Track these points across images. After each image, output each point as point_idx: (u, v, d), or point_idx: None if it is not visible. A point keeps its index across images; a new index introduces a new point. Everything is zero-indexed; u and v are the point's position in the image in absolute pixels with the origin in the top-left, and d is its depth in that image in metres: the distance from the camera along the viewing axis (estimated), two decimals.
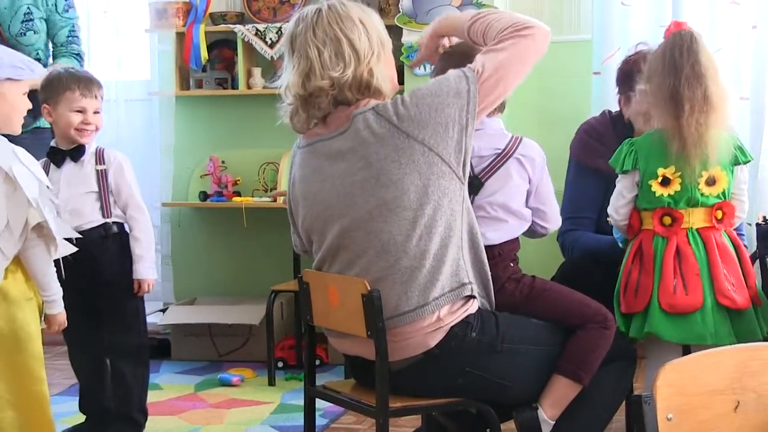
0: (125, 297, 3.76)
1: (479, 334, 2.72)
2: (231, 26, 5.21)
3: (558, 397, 2.84)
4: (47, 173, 3.67)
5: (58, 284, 3.06)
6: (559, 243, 3.63)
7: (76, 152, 3.73)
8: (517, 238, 3.07)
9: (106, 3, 5.37)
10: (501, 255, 2.96)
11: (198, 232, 5.45)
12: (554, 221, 3.17)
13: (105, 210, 3.73)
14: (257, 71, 5.22)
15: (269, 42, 5.16)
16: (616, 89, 3.63)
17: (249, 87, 5.24)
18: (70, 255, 3.24)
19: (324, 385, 3.03)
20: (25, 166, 2.95)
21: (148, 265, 3.76)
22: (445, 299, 2.68)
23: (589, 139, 3.75)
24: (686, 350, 3.02)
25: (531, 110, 5.06)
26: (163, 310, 5.34)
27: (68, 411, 4.32)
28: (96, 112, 3.72)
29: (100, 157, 3.75)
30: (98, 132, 3.76)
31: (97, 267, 3.70)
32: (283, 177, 5.02)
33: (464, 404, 2.81)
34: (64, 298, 3.29)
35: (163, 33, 5.33)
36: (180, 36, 5.25)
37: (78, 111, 3.69)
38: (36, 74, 3.11)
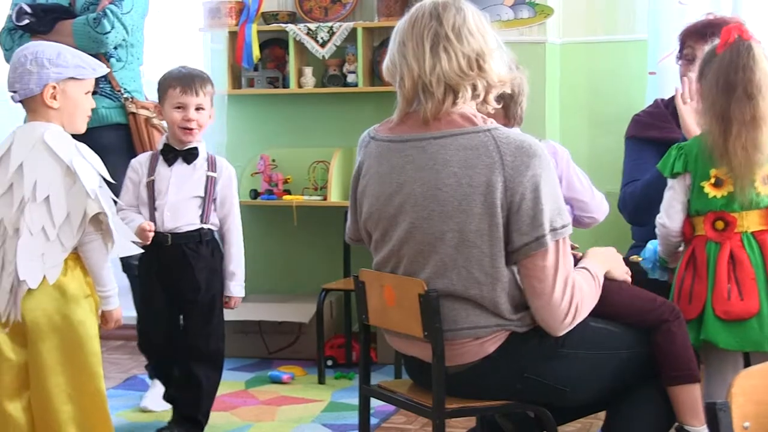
0: (211, 303, 3.84)
1: (539, 339, 2.70)
2: (283, 25, 5.23)
3: (690, 405, 2.83)
4: (155, 169, 3.81)
5: (114, 280, 3.09)
6: (619, 208, 3.68)
7: (190, 154, 3.80)
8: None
9: (161, 2, 5.40)
10: None
11: (248, 230, 5.40)
12: (598, 210, 3.18)
13: (205, 216, 3.80)
14: (308, 70, 5.23)
15: (320, 41, 5.17)
16: (677, 55, 3.73)
17: (300, 86, 5.25)
18: (160, 257, 3.34)
19: (379, 384, 3.03)
20: (86, 160, 2.99)
21: (239, 283, 3.86)
22: (508, 322, 2.68)
23: (638, 118, 3.84)
24: (747, 357, 3.00)
25: (583, 111, 5.04)
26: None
27: (123, 405, 4.38)
28: (199, 109, 3.77)
29: (212, 164, 3.83)
30: (202, 130, 3.82)
31: (188, 269, 3.78)
32: (333, 176, 5.04)
33: (521, 407, 2.81)
34: (153, 295, 3.40)
35: (216, 32, 5.36)
36: (232, 35, 5.27)
37: (178, 108, 3.76)
38: (98, 73, 3.15)
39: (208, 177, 3.81)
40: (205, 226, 3.81)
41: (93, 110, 4.16)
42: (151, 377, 4.50)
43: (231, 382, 4.72)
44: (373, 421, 4.03)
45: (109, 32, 4.17)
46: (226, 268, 3.85)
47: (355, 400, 4.24)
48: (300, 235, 5.33)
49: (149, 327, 3.94)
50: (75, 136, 3.10)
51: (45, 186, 2.94)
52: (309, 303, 5.00)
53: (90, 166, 2.99)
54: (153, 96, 4.49)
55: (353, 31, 5.09)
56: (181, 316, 3.88)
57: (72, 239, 2.97)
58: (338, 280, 5.04)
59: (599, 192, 3.24)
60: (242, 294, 3.89)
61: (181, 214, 3.78)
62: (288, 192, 5.23)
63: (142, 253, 3.80)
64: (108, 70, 3.24)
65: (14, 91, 3.05)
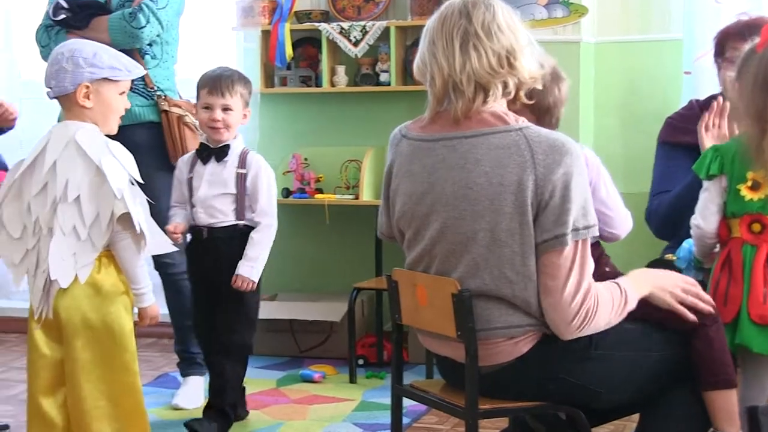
0: (240, 297, 3.90)
1: (572, 340, 2.67)
2: (316, 24, 5.23)
3: (726, 410, 2.77)
4: (193, 169, 3.93)
5: (148, 277, 3.10)
6: (646, 218, 3.64)
7: (221, 152, 3.90)
8: (596, 242, 3.05)
9: (194, 1, 5.41)
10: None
11: (280, 229, 5.41)
12: (621, 227, 3.13)
13: (240, 212, 3.88)
14: (341, 69, 5.23)
15: (353, 40, 5.16)
16: (714, 56, 3.71)
17: (333, 85, 5.25)
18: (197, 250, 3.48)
19: (411, 384, 3.02)
20: (117, 159, 2.99)
21: (251, 265, 3.88)
22: (541, 323, 2.66)
23: (672, 121, 3.80)
24: None
25: (616, 110, 5.01)
26: None
27: (155, 402, 4.39)
28: (226, 109, 3.87)
29: (243, 160, 3.91)
30: (231, 130, 3.91)
31: (221, 263, 3.85)
32: (366, 175, 5.03)
33: (554, 408, 2.79)
34: (195, 287, 3.43)
35: (249, 31, 5.37)
36: (265, 34, 5.28)
37: (206, 108, 3.86)
38: (134, 75, 3.16)
39: (237, 174, 3.89)
40: (240, 222, 3.91)
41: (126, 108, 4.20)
42: (183, 375, 4.51)
43: (262, 380, 4.73)
44: (405, 420, 4.02)
45: (144, 27, 4.19)
46: (245, 251, 3.89)
47: (386, 400, 4.25)
48: (332, 234, 5.33)
49: (196, 319, 4.08)
50: (109, 134, 3.11)
51: (75, 186, 2.96)
52: (340, 302, 5.00)
53: (120, 165, 3.00)
54: (186, 94, 4.52)
55: (386, 30, 5.08)
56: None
57: (102, 239, 2.98)
58: (370, 279, 5.04)
59: (626, 209, 3.20)
60: (251, 277, 3.89)
61: (214, 210, 3.90)
62: (320, 191, 5.23)
63: (187, 251, 3.99)
64: (144, 72, 3.25)
65: (50, 88, 3.06)
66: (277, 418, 4.22)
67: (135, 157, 3.14)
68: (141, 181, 3.06)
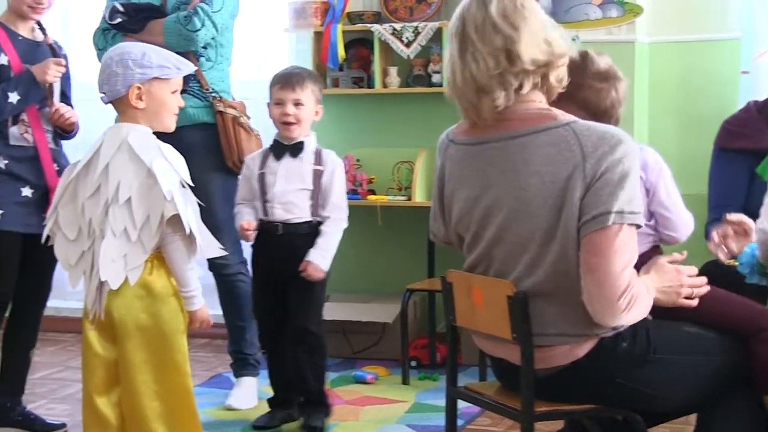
0: (315, 290, 3.99)
1: (630, 344, 2.66)
2: (368, 25, 5.23)
3: None
4: (264, 164, 3.99)
5: (197, 280, 3.11)
6: (705, 233, 3.56)
7: (296, 149, 3.96)
8: (656, 245, 3.02)
9: (248, 3, 5.44)
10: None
11: None
12: (681, 230, 3.09)
13: (315, 208, 3.96)
14: (393, 70, 5.23)
15: (406, 41, 5.16)
16: None
17: (385, 86, 5.25)
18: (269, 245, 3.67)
19: (466, 386, 3.01)
20: (168, 161, 3.01)
21: (321, 254, 3.95)
22: (597, 329, 2.63)
23: (729, 126, 3.73)
24: None
25: (672, 111, 4.97)
26: None
27: (209, 402, 4.41)
28: (297, 104, 3.93)
29: (318, 157, 3.98)
30: (303, 125, 3.97)
31: (297, 258, 3.92)
32: (418, 176, 5.02)
33: (611, 411, 2.77)
34: (263, 283, 3.61)
35: (301, 33, 5.38)
36: (318, 35, 5.28)
37: (278, 104, 3.93)
38: (183, 72, 3.17)
39: (314, 171, 3.95)
40: (315, 218, 3.98)
41: (181, 109, 4.20)
42: (236, 376, 4.52)
43: None
44: (459, 422, 4.01)
45: (200, 30, 4.21)
46: (315, 241, 3.95)
47: (439, 402, 4.25)
48: (384, 236, 5.33)
49: (261, 315, 4.12)
50: (162, 136, 3.13)
51: (127, 188, 2.97)
52: (393, 303, 5.00)
53: (171, 167, 3.01)
54: (239, 96, 4.54)
55: (438, 30, 5.07)
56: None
57: (152, 240, 2.99)
58: (422, 280, 5.03)
59: (687, 212, 3.16)
60: (321, 265, 3.96)
61: (291, 206, 3.96)
62: (372, 192, 5.23)
63: (255, 246, 4.03)
64: (194, 68, 3.27)
65: (103, 93, 3.08)
66: (330, 419, 4.21)
67: (189, 159, 3.15)
68: (192, 184, 3.06)
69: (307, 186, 3.96)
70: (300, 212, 3.96)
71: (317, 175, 3.97)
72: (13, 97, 3.83)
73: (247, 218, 4.00)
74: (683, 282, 2.74)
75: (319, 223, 3.98)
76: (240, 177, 4.10)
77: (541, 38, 2.62)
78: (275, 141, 4.05)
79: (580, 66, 3.03)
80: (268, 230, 3.98)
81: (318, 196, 3.97)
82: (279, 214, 3.96)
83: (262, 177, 4.00)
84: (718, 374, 2.76)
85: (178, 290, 3.07)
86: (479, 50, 2.62)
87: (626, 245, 2.56)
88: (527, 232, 2.62)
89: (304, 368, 4.00)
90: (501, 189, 2.65)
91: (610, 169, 2.53)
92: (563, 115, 2.63)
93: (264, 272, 4.06)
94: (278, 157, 4.00)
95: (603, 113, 3.00)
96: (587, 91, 3.00)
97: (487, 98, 2.63)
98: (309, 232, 3.96)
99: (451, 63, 2.69)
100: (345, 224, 4.03)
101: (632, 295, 2.55)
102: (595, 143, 2.55)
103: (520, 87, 2.62)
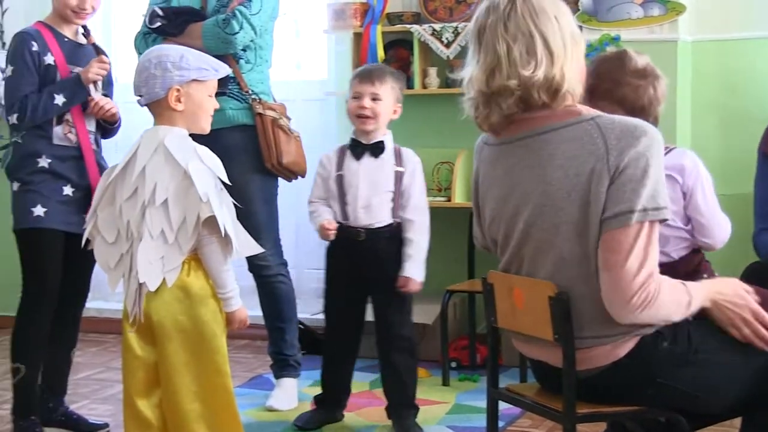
0: (402, 294, 3.95)
1: (671, 344, 2.62)
2: (407, 26, 5.22)
3: None
4: (343, 163, 3.90)
5: (234, 281, 3.11)
6: (753, 244, 3.52)
7: (377, 148, 3.89)
8: (697, 249, 2.99)
9: (286, 5, 5.45)
10: (684, 270, 2.87)
11: None
12: (716, 237, 3.05)
13: (395, 210, 3.90)
14: (433, 71, 5.22)
15: (445, 41, 5.15)
16: None
17: (424, 86, 5.24)
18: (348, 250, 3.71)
19: (507, 387, 3.00)
20: (204, 164, 3.01)
21: (417, 266, 3.89)
22: (638, 328, 2.61)
23: None
24: None
25: (715, 111, 4.93)
26: None
27: (249, 404, 4.42)
28: (375, 99, 3.86)
29: (399, 157, 3.91)
30: (379, 120, 3.90)
31: (381, 263, 3.88)
32: (458, 177, 5.01)
33: (653, 413, 2.74)
34: (340, 290, 3.66)
35: (341, 34, 5.38)
36: (357, 36, 5.29)
37: (355, 97, 3.88)
38: (220, 74, 3.18)
39: (396, 173, 3.89)
40: (394, 221, 3.91)
41: (220, 111, 4.21)
42: (277, 377, 4.53)
43: (356, 382, 4.70)
44: (500, 423, 3.99)
45: (238, 33, 4.21)
46: (405, 251, 3.88)
47: (480, 403, 4.23)
48: None
49: (333, 318, 4.06)
50: (201, 137, 3.14)
51: (163, 190, 2.98)
52: (433, 304, 4.98)
53: (207, 169, 3.01)
54: (280, 97, 4.54)
55: None
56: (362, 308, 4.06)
57: (189, 242, 3.00)
58: (462, 281, 5.02)
59: (725, 219, 3.12)
60: (421, 277, 3.93)
61: (375, 211, 3.88)
62: None
63: (331, 248, 3.95)
64: (230, 70, 3.27)
65: (140, 95, 3.09)
66: (371, 420, 4.22)
67: (228, 160, 3.15)
68: (229, 184, 3.07)
69: (389, 188, 3.89)
70: (382, 216, 3.88)
71: (398, 177, 3.90)
72: (59, 99, 3.87)
73: (327, 217, 3.90)
74: (749, 304, 2.67)
75: (399, 225, 3.91)
76: (315, 175, 4.02)
77: (542, 48, 2.59)
78: (353, 140, 3.96)
79: (619, 63, 3.04)
80: (348, 235, 3.89)
81: (399, 198, 3.89)
82: (361, 218, 3.88)
83: (340, 178, 3.91)
84: (762, 376, 2.72)
85: (216, 292, 3.08)
86: (482, 58, 2.63)
87: (647, 243, 2.53)
88: (553, 228, 2.60)
89: (404, 373, 3.97)
90: (527, 185, 2.64)
91: (633, 163, 2.50)
92: (588, 111, 2.61)
93: (343, 277, 3.97)
94: (357, 156, 3.92)
95: (640, 110, 2.99)
96: (625, 88, 3.00)
97: (496, 106, 2.63)
98: (390, 236, 3.90)
99: (469, 69, 2.70)
100: (427, 224, 3.95)
101: (648, 294, 2.52)
102: (618, 135, 2.53)
103: (531, 99, 2.62)
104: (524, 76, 2.58)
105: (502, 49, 2.59)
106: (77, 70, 3.93)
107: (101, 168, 3.95)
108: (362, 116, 3.88)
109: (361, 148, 3.91)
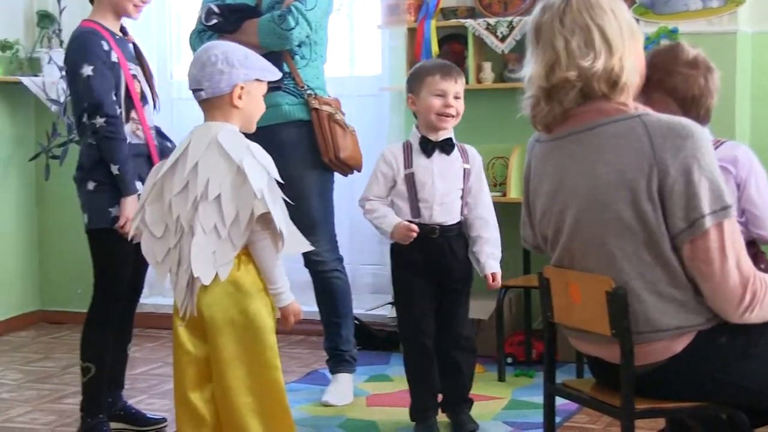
0: (468, 291, 3.98)
1: (728, 338, 2.60)
2: (462, 21, 5.21)
3: None
4: (411, 162, 3.84)
5: (285, 276, 3.12)
6: None
7: (448, 145, 3.86)
8: (751, 240, 2.95)
9: (340, 0, 5.46)
10: None
11: None
12: None
13: (463, 208, 3.88)
14: (487, 65, 5.20)
15: (500, 36, 5.13)
16: None
17: (479, 81, 5.22)
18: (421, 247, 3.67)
19: (564, 382, 2.98)
20: (257, 160, 3.02)
21: (497, 262, 3.91)
22: (690, 320, 2.59)
23: None
24: None
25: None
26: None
27: (305, 399, 4.44)
28: (456, 97, 3.81)
29: (464, 154, 3.89)
30: (457, 120, 3.86)
31: (454, 260, 3.86)
32: (513, 172, 4.99)
33: (714, 409, 2.71)
34: (417, 288, 3.67)
35: (395, 29, 5.38)
36: (411, 32, 5.27)
37: (438, 95, 3.79)
38: (277, 76, 3.20)
39: (464, 169, 3.87)
40: (461, 218, 3.89)
41: (276, 107, 4.23)
42: (332, 372, 4.54)
43: (396, 377, 4.72)
44: (556, 419, 3.97)
45: (294, 28, 4.22)
46: (481, 249, 3.89)
47: (535, 398, 4.22)
48: None
49: (423, 318, 3.91)
50: (258, 132, 3.15)
51: (216, 185, 2.99)
52: (488, 300, 4.95)
53: (260, 166, 3.02)
54: (334, 93, 4.55)
55: None
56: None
57: (241, 238, 3.01)
58: (518, 276, 4.99)
59: None
60: (499, 272, 3.94)
61: (449, 208, 3.85)
62: None
63: (401, 247, 3.86)
64: (280, 74, 3.26)
65: (200, 89, 3.09)
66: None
67: (284, 156, 3.17)
68: (282, 181, 3.07)
69: (460, 186, 3.86)
70: (455, 213, 3.85)
71: (467, 174, 3.87)
72: (114, 168, 3.83)
73: (398, 218, 3.80)
74: None
75: (462, 222, 3.89)
76: (376, 173, 3.91)
77: (602, 51, 2.61)
78: (422, 137, 3.86)
79: (671, 54, 3.05)
80: (422, 233, 3.80)
81: (466, 195, 3.87)
82: (437, 216, 3.83)
83: (411, 176, 3.84)
84: None
85: (267, 287, 3.09)
86: (541, 55, 2.65)
87: (731, 242, 2.52)
88: (602, 224, 2.60)
89: (465, 371, 3.96)
90: (575, 180, 2.64)
91: (689, 169, 2.50)
92: (636, 108, 2.62)
93: (419, 276, 3.88)
94: (428, 154, 3.85)
95: (691, 101, 2.99)
96: (676, 77, 3.00)
97: (556, 102, 2.65)
98: (458, 234, 3.89)
99: (528, 68, 2.71)
100: (496, 220, 3.95)
101: (754, 294, 2.53)
102: (665, 134, 2.53)
103: (590, 90, 2.62)
104: (584, 68, 2.60)
105: (560, 44, 2.62)
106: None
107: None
108: (446, 115, 3.81)
109: (430, 144, 3.85)
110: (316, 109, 4.31)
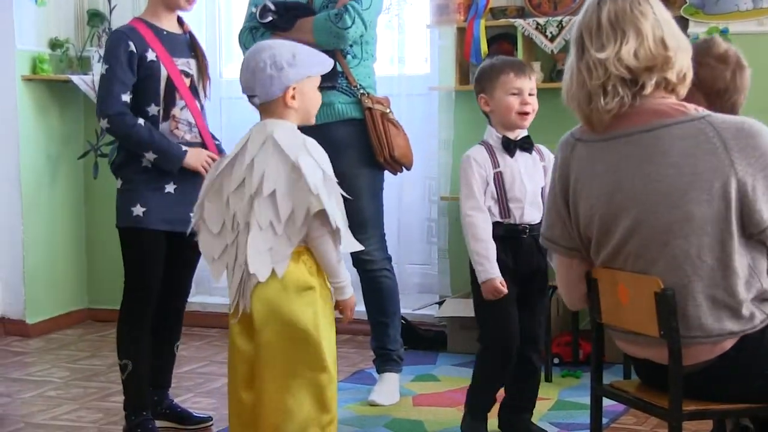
0: (547, 293, 3.98)
1: None
2: (511, 20, 5.19)
3: None
4: (497, 161, 3.76)
5: (346, 270, 3.12)
6: None
7: (528, 143, 3.81)
8: None
9: (390, 0, 5.46)
10: None
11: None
12: None
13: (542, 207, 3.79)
14: (537, 65, 5.17)
15: (549, 36, 5.11)
16: None
17: None
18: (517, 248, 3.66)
19: (611, 384, 2.96)
20: (313, 157, 3.03)
21: None
22: (742, 325, 2.58)
23: None
24: None
25: None
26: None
27: (351, 398, 4.44)
28: (531, 94, 3.75)
29: (540, 153, 3.84)
30: (533, 115, 3.79)
31: (541, 260, 3.78)
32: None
33: (763, 410, 2.68)
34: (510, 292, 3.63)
35: (444, 28, 5.37)
36: (460, 31, 5.27)
37: (514, 94, 3.73)
38: (328, 66, 3.20)
39: (543, 167, 3.82)
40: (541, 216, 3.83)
41: (329, 105, 4.23)
42: (379, 372, 4.53)
43: (456, 378, 4.72)
44: (603, 420, 3.93)
45: (350, 27, 4.22)
46: None
47: (582, 399, 4.19)
48: None
49: (506, 325, 3.80)
50: (310, 131, 3.15)
51: (272, 181, 3.00)
52: None
53: (315, 163, 3.02)
54: (382, 92, 4.55)
55: None
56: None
57: (298, 234, 3.02)
58: None
59: None
60: None
61: (537, 206, 3.77)
62: None
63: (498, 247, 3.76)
64: (332, 61, 3.26)
65: (253, 95, 3.09)
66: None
67: (337, 154, 3.16)
68: (336, 180, 3.07)
69: (542, 184, 3.79)
70: (540, 212, 3.74)
71: (545, 172, 3.80)
72: (150, 156, 3.86)
73: (494, 271, 3.66)
74: None
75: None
76: (469, 179, 3.72)
77: (652, 39, 2.63)
78: (503, 136, 3.76)
79: (703, 47, 3.08)
80: (512, 234, 3.73)
81: (544, 193, 3.79)
82: (528, 215, 3.74)
83: (500, 176, 3.73)
84: None
85: (330, 281, 3.09)
86: (592, 57, 2.66)
87: None
88: (666, 225, 2.59)
89: (538, 374, 3.93)
90: (636, 181, 2.63)
91: (761, 166, 2.53)
92: (696, 109, 2.62)
93: (512, 276, 3.76)
94: (511, 153, 3.76)
95: (716, 94, 3.00)
96: (704, 69, 2.99)
97: (598, 104, 2.65)
98: (539, 233, 3.84)
99: (570, 70, 2.73)
100: None
101: None
102: (735, 135, 2.55)
103: (642, 88, 2.64)
104: (667, 56, 2.64)
105: (647, 28, 2.64)
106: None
107: (221, 152, 3.98)
108: (526, 113, 3.74)
109: (512, 144, 3.77)
110: (370, 108, 4.31)
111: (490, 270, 3.66)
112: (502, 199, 3.74)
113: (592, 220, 2.73)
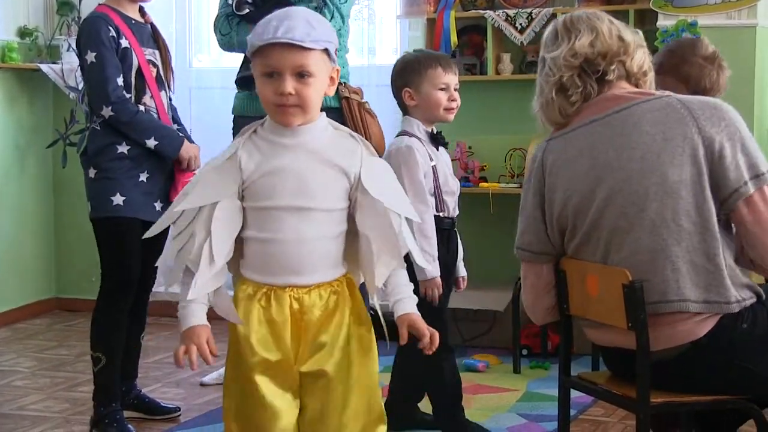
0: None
1: (750, 326, 2.61)
2: (481, 12, 5.20)
3: None
4: (432, 156, 3.70)
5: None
6: None
7: (442, 137, 3.78)
8: None
9: None
10: None
11: None
12: None
13: None
14: (506, 57, 5.19)
15: (519, 27, 5.12)
16: None
17: (498, 72, 5.22)
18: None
19: (579, 375, 2.98)
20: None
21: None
22: (720, 298, 2.59)
23: None
24: None
25: None
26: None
27: None
28: (456, 89, 3.71)
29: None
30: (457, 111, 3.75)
31: (459, 256, 3.84)
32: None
33: (732, 403, 2.70)
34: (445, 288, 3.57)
35: (414, 19, 5.37)
36: (430, 22, 5.27)
37: (442, 89, 3.68)
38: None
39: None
40: None
41: None
42: None
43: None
44: (571, 412, 3.96)
45: (329, 21, 4.20)
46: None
47: (551, 391, 4.21)
48: (496, 223, 5.28)
49: (447, 324, 3.86)
50: None
51: None
52: (504, 291, 4.96)
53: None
54: (353, 83, 4.54)
55: (552, 16, 5.01)
56: None
57: None
58: None
59: None
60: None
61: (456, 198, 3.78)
62: (484, 179, 5.20)
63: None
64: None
65: None
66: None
67: None
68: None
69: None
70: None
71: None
72: (151, 143, 3.83)
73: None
74: None
75: None
76: (416, 173, 3.62)
77: (608, 35, 2.75)
78: (429, 131, 3.73)
79: (691, 45, 3.29)
80: (450, 226, 3.74)
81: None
82: (452, 207, 3.73)
83: (435, 169, 3.67)
84: None
85: None
86: (546, 60, 2.78)
87: None
88: (642, 189, 2.64)
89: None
90: (610, 152, 2.69)
91: (728, 136, 2.62)
92: (660, 92, 2.75)
93: (448, 271, 3.77)
94: (437, 147, 3.73)
95: (701, 91, 3.12)
96: (692, 66, 3.20)
97: (560, 100, 2.75)
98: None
99: (538, 86, 2.82)
100: None
101: None
102: (701, 107, 2.66)
103: (604, 74, 2.73)
104: (624, 45, 2.75)
105: (602, 26, 2.76)
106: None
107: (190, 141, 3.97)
108: (452, 108, 3.70)
109: (434, 138, 3.75)
110: (347, 97, 4.30)
111: (436, 268, 3.60)
112: (438, 192, 3.71)
113: (568, 203, 2.75)
